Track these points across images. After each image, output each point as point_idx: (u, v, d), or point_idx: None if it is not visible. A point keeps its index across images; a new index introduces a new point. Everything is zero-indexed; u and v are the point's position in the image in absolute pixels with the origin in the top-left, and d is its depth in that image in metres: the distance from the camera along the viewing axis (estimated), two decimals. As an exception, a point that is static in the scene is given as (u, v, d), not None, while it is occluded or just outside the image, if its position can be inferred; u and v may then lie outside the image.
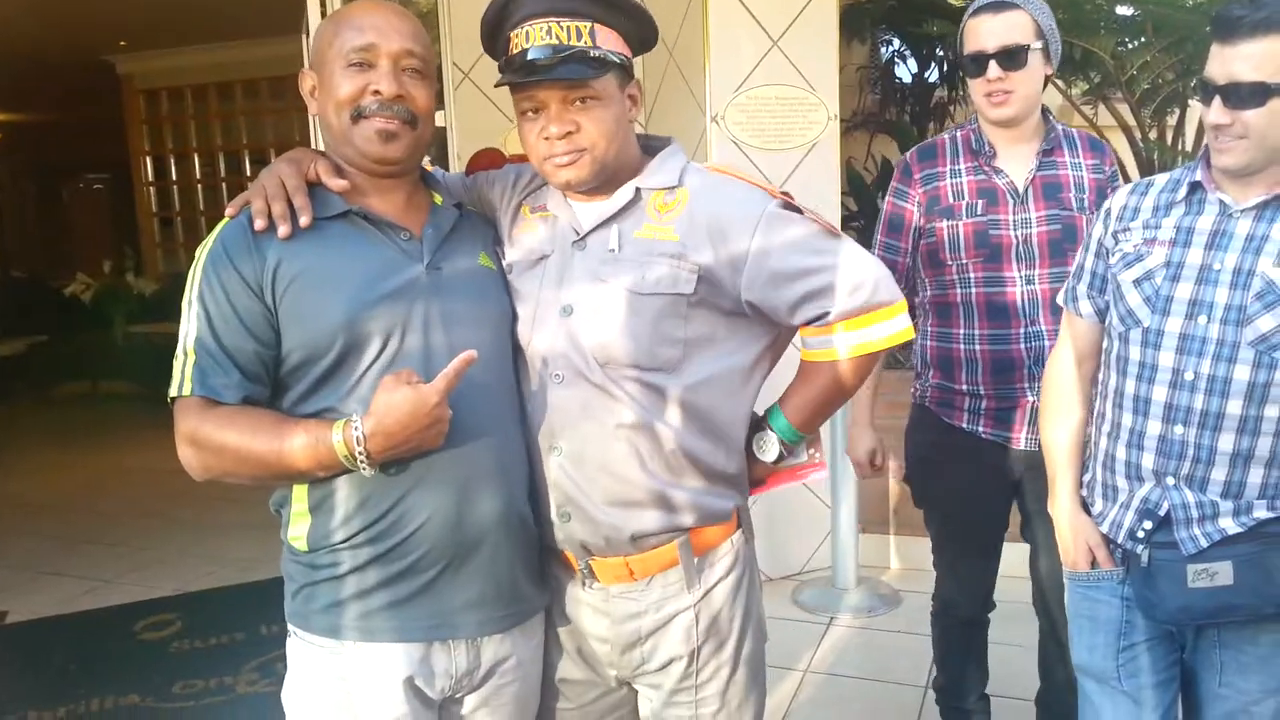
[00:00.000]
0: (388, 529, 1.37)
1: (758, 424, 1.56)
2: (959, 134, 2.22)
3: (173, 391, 1.36)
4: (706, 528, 1.50)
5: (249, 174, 8.36)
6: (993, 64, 2.06)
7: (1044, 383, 1.85)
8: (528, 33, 1.40)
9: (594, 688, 1.59)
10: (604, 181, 1.47)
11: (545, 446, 1.47)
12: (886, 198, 2.31)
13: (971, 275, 2.18)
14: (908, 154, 2.30)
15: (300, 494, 1.40)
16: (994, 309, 2.17)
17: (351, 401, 1.36)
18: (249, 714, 2.94)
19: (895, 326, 1.46)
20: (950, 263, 2.20)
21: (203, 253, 1.38)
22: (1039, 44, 2.07)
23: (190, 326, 1.35)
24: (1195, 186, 1.61)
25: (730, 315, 1.47)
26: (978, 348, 2.19)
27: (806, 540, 3.87)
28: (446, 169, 4.28)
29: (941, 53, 5.78)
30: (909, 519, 3.94)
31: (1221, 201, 1.57)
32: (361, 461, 1.30)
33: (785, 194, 1.48)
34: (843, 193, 4.71)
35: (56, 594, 4.03)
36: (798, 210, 1.46)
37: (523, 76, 1.40)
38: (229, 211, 1.41)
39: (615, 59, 1.43)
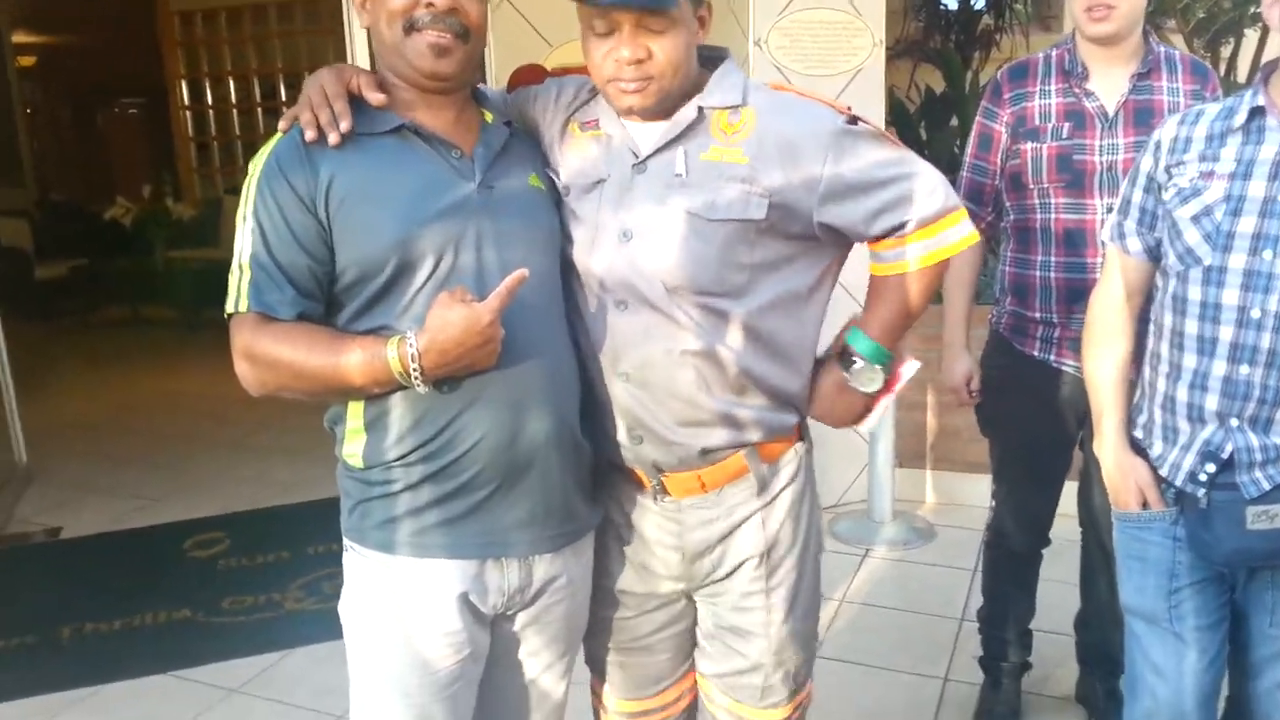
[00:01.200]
0: (442, 447, 1.38)
1: (844, 354, 1.54)
2: (1054, 53, 2.18)
3: (229, 308, 1.37)
4: (772, 442, 1.54)
5: (284, 99, 8.32)
6: None
7: (1088, 318, 1.80)
8: None
9: (653, 599, 1.63)
10: (663, 105, 1.44)
11: (610, 370, 1.47)
12: (976, 117, 2.29)
13: (1052, 200, 2.15)
14: (999, 72, 2.26)
15: (356, 411, 1.41)
16: (1072, 236, 2.14)
17: (406, 319, 1.36)
18: (297, 629, 3.03)
19: (963, 231, 1.47)
20: (1032, 187, 2.17)
21: (256, 167, 1.38)
22: None
23: (245, 242, 1.36)
24: (1255, 112, 1.54)
25: (797, 239, 1.46)
26: (1053, 275, 2.17)
27: (843, 473, 3.88)
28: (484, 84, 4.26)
29: (990, -21, 5.63)
30: (946, 454, 3.94)
31: None
32: (416, 378, 1.30)
33: (848, 108, 1.46)
34: (886, 121, 4.63)
35: (106, 511, 4.13)
36: (863, 123, 1.44)
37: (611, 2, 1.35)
38: (282, 126, 1.40)
39: None
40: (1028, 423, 2.29)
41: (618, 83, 1.40)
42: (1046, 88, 2.16)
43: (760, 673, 1.61)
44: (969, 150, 2.31)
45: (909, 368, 1.56)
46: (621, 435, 1.50)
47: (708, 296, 1.43)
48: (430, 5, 1.36)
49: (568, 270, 1.49)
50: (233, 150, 8.68)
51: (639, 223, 1.43)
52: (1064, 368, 2.20)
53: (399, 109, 1.41)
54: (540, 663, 1.58)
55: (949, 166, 2.33)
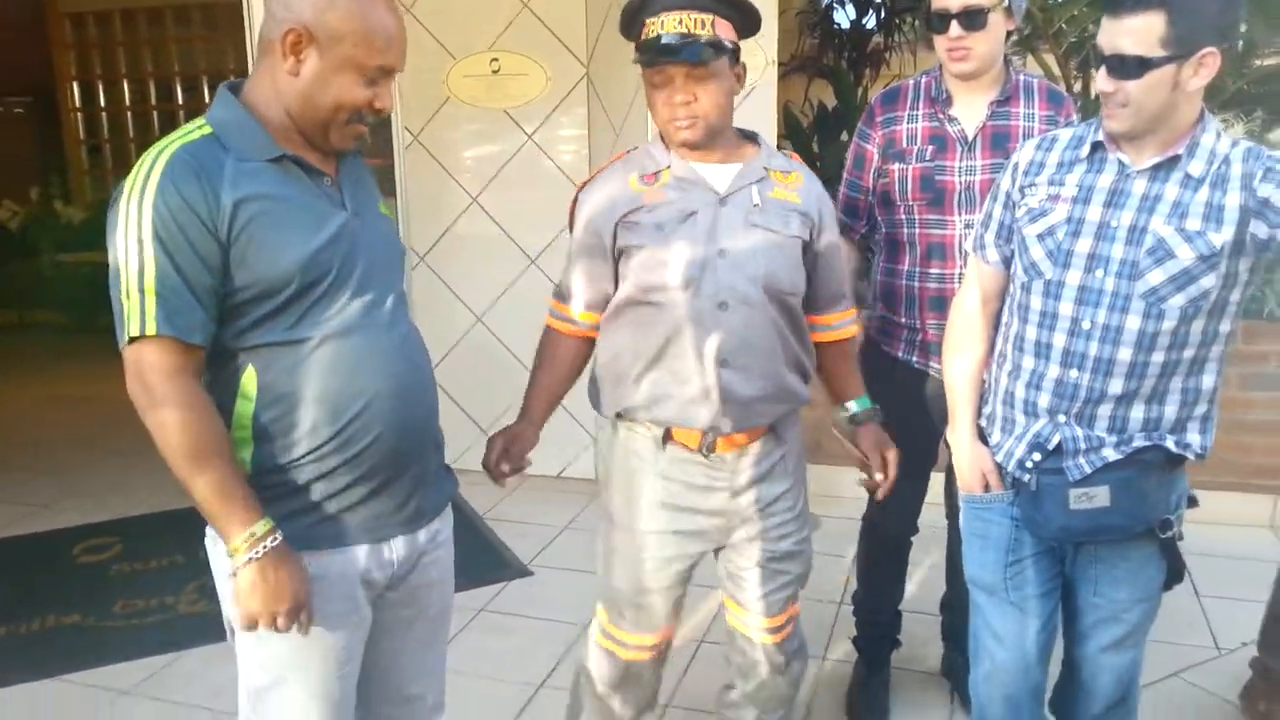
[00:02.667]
0: (339, 447, 1.48)
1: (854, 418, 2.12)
2: (923, 80, 2.34)
3: (131, 331, 1.37)
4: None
5: (180, 102, 8.18)
6: (954, 24, 2.16)
7: (949, 322, 1.98)
8: (663, 21, 1.77)
9: (684, 542, 1.97)
10: (711, 141, 1.84)
11: (710, 359, 1.85)
12: (853, 138, 2.45)
13: (917, 217, 2.32)
14: (875, 97, 2.43)
15: (243, 420, 1.46)
16: (933, 249, 2.31)
17: (296, 332, 1.46)
18: (191, 631, 3.03)
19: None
20: (899, 203, 2.34)
21: (148, 189, 1.38)
22: (1001, 3, 2.16)
23: (146, 264, 1.36)
24: (1097, 146, 1.72)
25: (806, 260, 1.94)
26: (917, 284, 2.34)
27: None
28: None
29: (879, 0, 5.87)
30: (828, 449, 4.12)
31: (1120, 161, 1.68)
32: (239, 561, 1.41)
33: None
34: (780, 135, 4.81)
35: (-8, 520, 4.04)
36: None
37: (657, 57, 1.77)
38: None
39: (728, 45, 1.79)
40: (894, 419, 2.42)
41: (675, 122, 1.82)
42: (915, 112, 2.33)
43: (794, 585, 2.06)
44: (846, 168, 2.47)
45: None
46: (705, 414, 1.87)
47: (787, 295, 1.89)
48: (380, 112, 1.49)
49: (657, 290, 1.85)
50: (125, 152, 8.48)
51: (732, 243, 1.85)
52: (927, 370, 2.37)
53: (279, 138, 1.47)
54: (424, 623, 1.71)
55: (839, 179, 2.49)
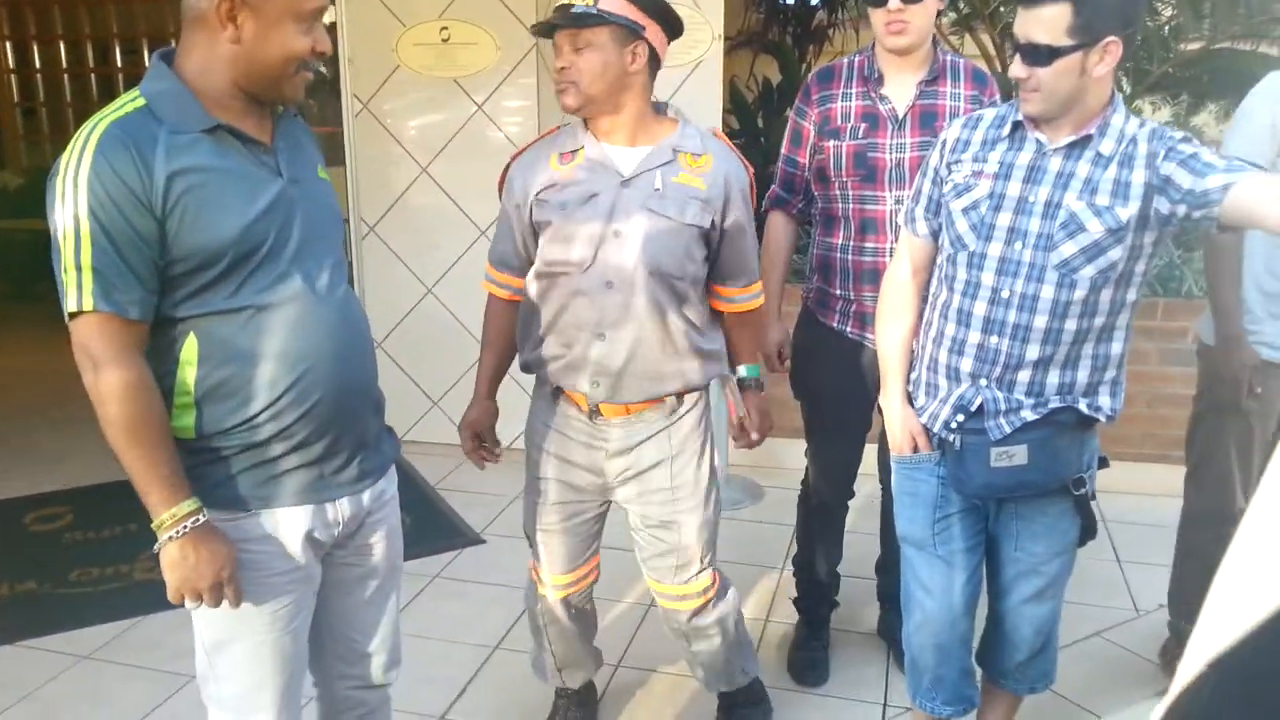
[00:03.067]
0: (284, 409, 1.54)
1: (743, 383, 2.27)
2: (856, 60, 2.43)
3: (70, 306, 1.41)
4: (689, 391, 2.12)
5: (119, 65, 8.01)
6: None
7: (881, 292, 2.09)
8: None
9: (571, 491, 2.17)
10: (592, 110, 1.95)
11: (590, 333, 2.00)
12: (790, 115, 2.53)
13: (850, 192, 2.41)
14: (810, 75, 2.51)
15: (184, 388, 1.50)
16: (866, 224, 2.41)
17: (236, 299, 1.49)
18: (147, 598, 3.05)
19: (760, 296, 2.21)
20: (834, 179, 2.42)
21: (83, 165, 1.39)
22: None
23: (83, 242, 1.39)
24: (1017, 125, 1.83)
25: (710, 244, 2.05)
26: (850, 257, 2.44)
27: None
28: (336, 67, 4.30)
29: (824, -23, 5.95)
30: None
31: (1038, 140, 1.79)
32: (162, 538, 1.47)
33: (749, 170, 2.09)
34: (725, 110, 4.88)
35: (-63, 490, 4.01)
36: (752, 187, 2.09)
37: (544, 23, 1.91)
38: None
39: (612, 18, 1.87)
40: (830, 387, 2.57)
41: (556, 85, 1.94)
42: (849, 91, 2.42)
43: (673, 555, 2.18)
44: (784, 144, 2.56)
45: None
46: (584, 380, 2.04)
47: (675, 280, 1.99)
48: (322, 54, 1.52)
49: (565, 264, 1.98)
50: (63, 116, 8.29)
51: (627, 225, 1.95)
52: (861, 340, 2.48)
53: (214, 109, 1.48)
54: (373, 581, 1.79)
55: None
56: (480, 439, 2.24)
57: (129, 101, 1.46)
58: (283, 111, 1.61)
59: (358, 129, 4.33)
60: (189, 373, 1.50)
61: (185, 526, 1.46)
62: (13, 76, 8.38)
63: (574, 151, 2.01)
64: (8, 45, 8.27)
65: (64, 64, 8.26)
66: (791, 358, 2.66)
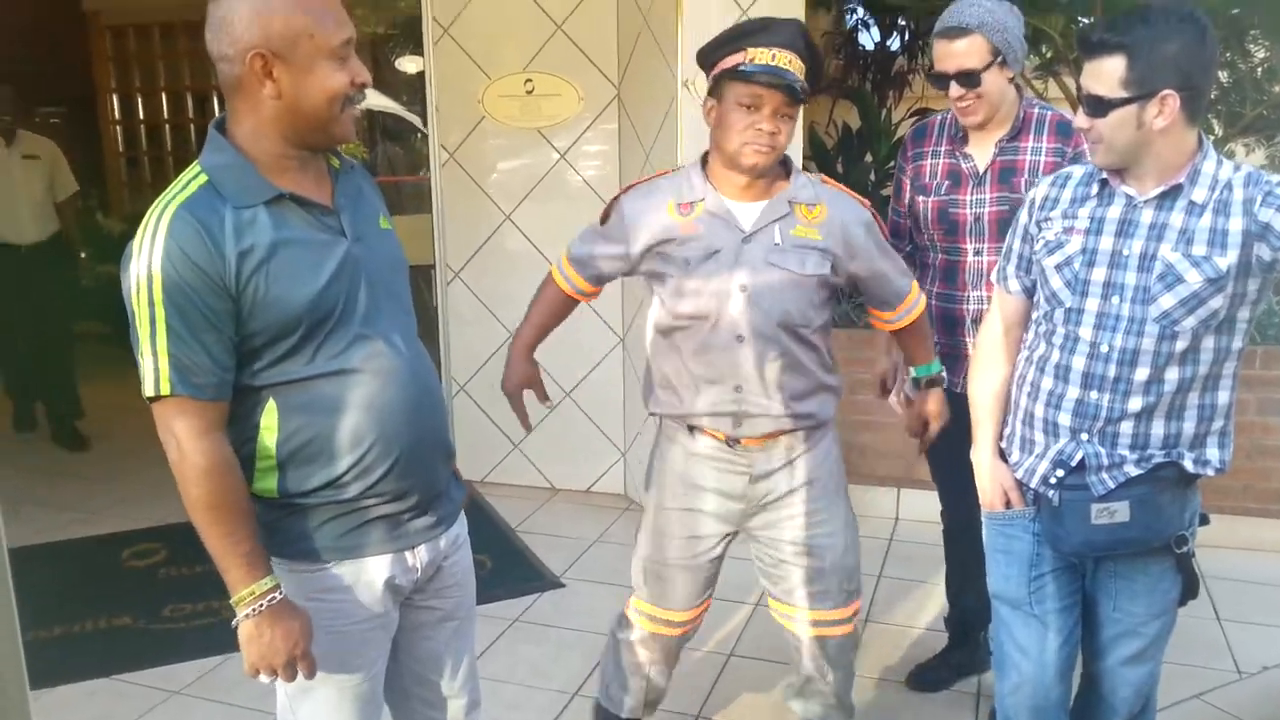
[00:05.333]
0: (367, 468, 1.55)
1: (918, 382, 2.33)
2: (947, 117, 2.52)
3: (148, 391, 1.44)
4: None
5: (218, 114, 8.34)
6: (953, 84, 2.34)
7: (975, 347, 2.09)
8: (775, 54, 1.94)
9: (705, 523, 2.20)
10: (767, 172, 2.02)
11: (725, 385, 2.08)
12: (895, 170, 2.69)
13: (937, 244, 2.52)
14: (907, 133, 2.65)
15: (266, 452, 1.53)
16: (949, 274, 2.51)
17: (313, 367, 1.51)
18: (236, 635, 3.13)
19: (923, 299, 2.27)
20: (924, 231, 2.54)
21: (155, 252, 1.41)
22: (996, 60, 2.31)
23: (159, 328, 1.41)
24: (1105, 181, 1.81)
25: (834, 286, 2.12)
26: (934, 304, 2.52)
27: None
28: (424, 117, 4.42)
29: (903, 23, 5.95)
30: (854, 468, 4.20)
31: (1127, 194, 1.78)
32: (239, 615, 1.48)
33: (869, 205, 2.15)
34: (805, 157, 4.90)
35: (41, 524, 4.14)
36: (874, 218, 2.14)
37: (767, 78, 1.93)
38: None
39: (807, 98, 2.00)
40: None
41: (752, 145, 1.97)
42: (937, 149, 2.53)
43: (820, 580, 2.19)
44: (892, 195, 2.69)
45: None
46: (721, 422, 2.11)
47: (801, 328, 2.06)
48: (363, 84, 1.51)
49: (698, 319, 2.06)
50: (164, 164, 8.66)
51: (752, 279, 2.02)
52: (947, 384, 2.49)
53: (272, 176, 1.49)
54: (451, 623, 1.81)
55: (864, 197, 2.64)
56: (520, 401, 2.30)
57: (192, 179, 1.48)
58: (341, 165, 1.62)
59: (444, 177, 4.44)
60: (269, 438, 1.52)
61: (262, 605, 1.47)
62: (118, 127, 8.78)
63: (693, 203, 2.06)
64: (113, 97, 8.68)
65: (165, 114, 8.64)
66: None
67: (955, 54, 2.32)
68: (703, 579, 2.26)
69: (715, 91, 2.02)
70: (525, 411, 2.30)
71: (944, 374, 2.33)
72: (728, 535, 2.23)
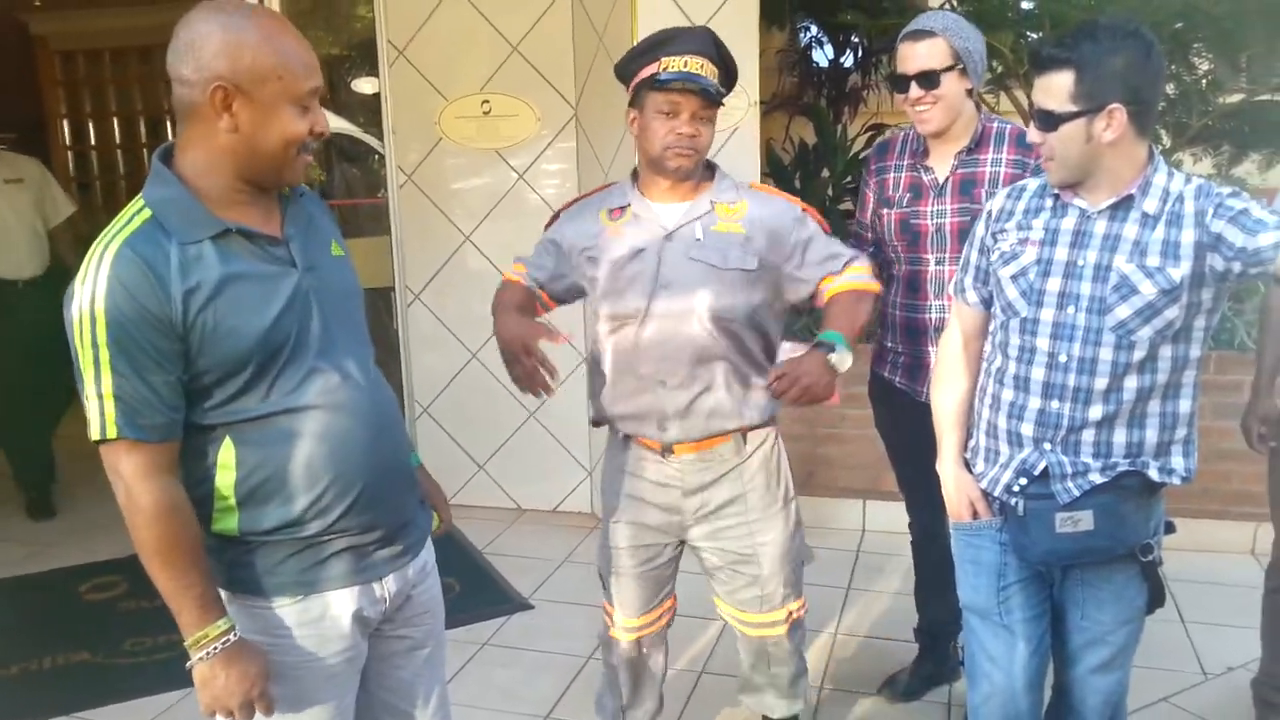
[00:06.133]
0: (328, 505, 1.53)
1: (820, 345, 2.02)
2: (910, 132, 2.56)
3: (94, 434, 1.41)
4: (754, 428, 2.19)
5: (171, 139, 8.24)
6: (913, 85, 2.38)
7: (936, 359, 2.11)
8: (687, 60, 2.01)
9: (647, 534, 2.25)
10: (691, 174, 2.08)
11: (651, 379, 2.11)
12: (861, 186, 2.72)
13: (900, 255, 2.55)
14: (871, 149, 2.72)
15: (223, 493, 1.50)
16: (912, 284, 2.55)
17: (268, 404, 1.48)
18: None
19: (864, 275, 2.18)
20: (887, 243, 2.58)
21: (98, 293, 1.37)
22: (956, 65, 2.36)
23: (103, 371, 1.38)
24: (1058, 194, 1.84)
25: (764, 280, 2.12)
26: (899, 314, 2.58)
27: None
28: (381, 139, 4.40)
29: (856, 40, 6.02)
30: (823, 481, 4.22)
31: (1080, 206, 1.80)
32: (192, 658, 1.46)
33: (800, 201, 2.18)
34: (763, 173, 4.93)
35: (-5, 559, 4.05)
36: (806, 211, 2.17)
37: (683, 84, 1.99)
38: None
39: (723, 100, 2.07)
40: (886, 431, 2.80)
41: (673, 149, 2.03)
42: (900, 162, 2.58)
43: (756, 586, 2.25)
44: (857, 211, 2.74)
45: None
46: (651, 426, 2.15)
47: (727, 322, 2.08)
48: (320, 135, 1.50)
49: (627, 316, 2.10)
50: (115, 190, 8.53)
51: (675, 275, 2.07)
52: (905, 389, 2.61)
53: (219, 209, 1.46)
54: (422, 651, 1.79)
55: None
56: (530, 351, 2.02)
57: (136, 214, 1.43)
58: (290, 192, 1.58)
59: (402, 200, 4.42)
60: (227, 477, 1.49)
61: (216, 647, 1.45)
62: (69, 152, 8.65)
63: (623, 208, 2.15)
64: (64, 123, 8.55)
65: (117, 139, 8.52)
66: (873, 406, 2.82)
67: (917, 55, 2.36)
68: (651, 586, 2.31)
69: (635, 102, 2.09)
70: (539, 366, 2.01)
71: (844, 355, 1.97)
72: (670, 545, 2.29)
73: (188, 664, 1.47)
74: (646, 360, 2.12)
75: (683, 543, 2.30)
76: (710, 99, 2.03)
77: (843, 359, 1.98)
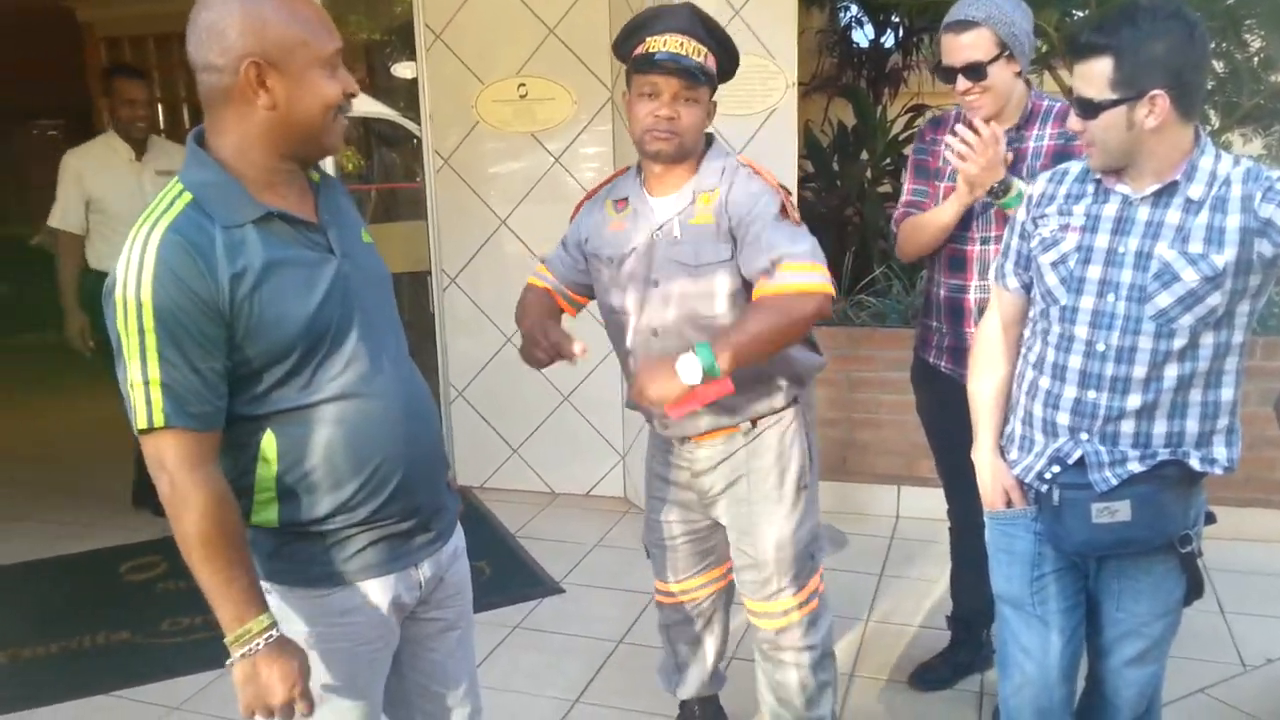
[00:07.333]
0: (367, 497, 1.53)
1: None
2: (961, 112, 2.48)
3: (140, 423, 1.37)
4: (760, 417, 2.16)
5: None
6: (960, 78, 2.33)
7: (974, 344, 2.06)
8: (665, 40, 1.95)
9: (675, 508, 2.33)
10: (679, 159, 2.02)
11: None
12: (910, 156, 2.66)
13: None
14: (922, 123, 2.70)
15: (265, 484, 1.49)
16: (955, 263, 2.51)
17: (307, 394, 1.47)
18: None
19: (809, 277, 1.94)
20: None
21: (144, 277, 1.35)
22: (1003, 54, 2.30)
23: (150, 357, 1.35)
24: (1100, 179, 1.80)
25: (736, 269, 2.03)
26: (942, 294, 2.54)
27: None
28: (419, 123, 4.40)
29: (897, 19, 5.93)
30: (857, 467, 4.18)
31: (1123, 192, 1.75)
32: (233, 655, 1.42)
33: (784, 189, 2.05)
34: (800, 155, 4.88)
35: (37, 539, 4.13)
36: (788, 209, 2.01)
37: (655, 66, 1.94)
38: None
39: (711, 79, 2.00)
40: (929, 415, 2.75)
41: (653, 132, 1.98)
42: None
43: (755, 569, 2.22)
44: (908, 181, 2.63)
45: (719, 390, 1.89)
46: (654, 419, 2.18)
47: (704, 321, 2.04)
48: (353, 95, 1.48)
49: (621, 314, 2.12)
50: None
51: (661, 275, 2.05)
52: (949, 372, 2.55)
53: (258, 192, 1.44)
54: (454, 633, 1.80)
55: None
56: (549, 333, 2.03)
57: (176, 198, 1.41)
58: (320, 179, 1.58)
59: (439, 184, 4.42)
60: (269, 469, 1.48)
61: (258, 644, 1.41)
62: (113, 138, 8.76)
63: (625, 199, 2.13)
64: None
65: (161, 125, 8.60)
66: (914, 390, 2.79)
67: (962, 47, 2.31)
68: (694, 552, 2.35)
69: (627, 84, 2.05)
70: (558, 337, 2.02)
71: (692, 365, 1.85)
72: (695, 521, 2.32)
73: (228, 661, 1.43)
74: (640, 358, 2.11)
75: (708, 519, 2.34)
76: (693, 79, 1.96)
77: (690, 370, 1.84)
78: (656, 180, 2.08)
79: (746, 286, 2.04)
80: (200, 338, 1.37)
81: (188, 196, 1.41)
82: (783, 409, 2.18)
